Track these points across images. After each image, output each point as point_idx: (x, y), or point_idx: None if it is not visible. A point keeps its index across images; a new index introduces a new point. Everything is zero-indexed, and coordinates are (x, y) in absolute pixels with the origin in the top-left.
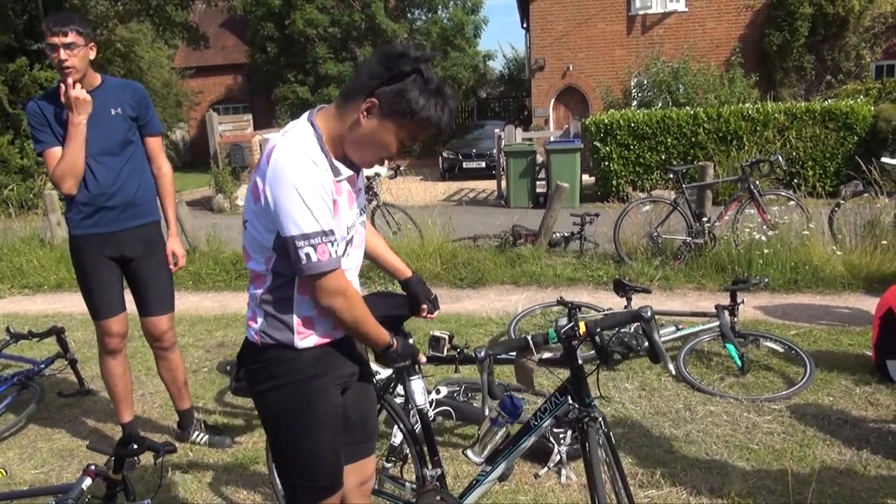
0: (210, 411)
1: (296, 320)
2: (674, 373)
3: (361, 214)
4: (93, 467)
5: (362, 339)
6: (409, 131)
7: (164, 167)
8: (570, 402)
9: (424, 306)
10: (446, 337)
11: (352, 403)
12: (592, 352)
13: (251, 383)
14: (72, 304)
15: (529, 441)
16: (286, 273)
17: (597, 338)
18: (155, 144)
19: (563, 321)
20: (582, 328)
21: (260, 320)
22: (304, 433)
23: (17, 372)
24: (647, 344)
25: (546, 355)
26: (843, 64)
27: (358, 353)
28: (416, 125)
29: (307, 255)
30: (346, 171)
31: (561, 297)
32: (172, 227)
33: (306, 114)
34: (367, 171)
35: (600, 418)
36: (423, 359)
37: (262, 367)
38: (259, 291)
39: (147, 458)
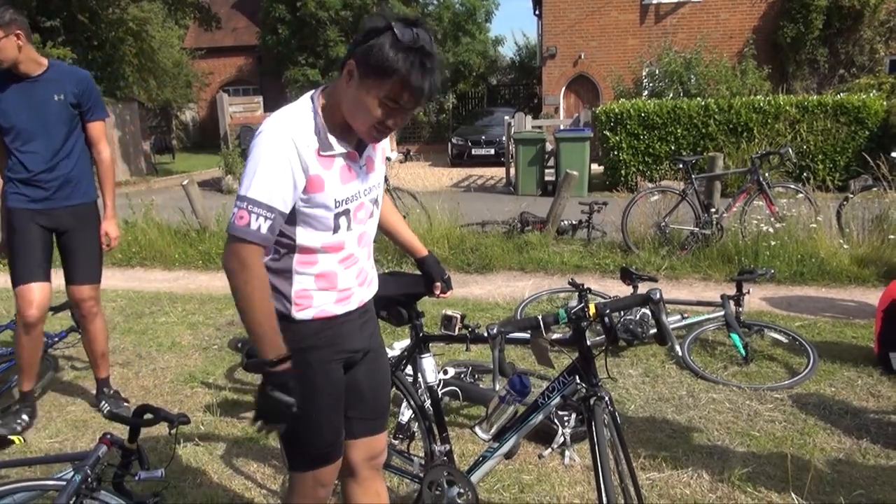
0: (221, 387)
1: (293, 292)
2: (680, 354)
3: (371, 192)
4: (108, 436)
5: (247, 326)
6: (385, 91)
7: (104, 153)
8: (578, 381)
9: (438, 285)
10: (458, 316)
11: (364, 379)
12: (600, 337)
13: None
14: None
15: (537, 419)
16: (283, 244)
17: (606, 319)
18: (96, 130)
19: (574, 303)
20: (592, 309)
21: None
22: (303, 401)
23: None
24: (653, 330)
25: (556, 336)
26: (857, 58)
27: (368, 331)
28: (391, 83)
29: (234, 213)
30: (339, 148)
31: (572, 279)
32: (109, 210)
33: (313, 91)
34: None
35: (606, 398)
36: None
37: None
38: (266, 259)
39: (161, 430)
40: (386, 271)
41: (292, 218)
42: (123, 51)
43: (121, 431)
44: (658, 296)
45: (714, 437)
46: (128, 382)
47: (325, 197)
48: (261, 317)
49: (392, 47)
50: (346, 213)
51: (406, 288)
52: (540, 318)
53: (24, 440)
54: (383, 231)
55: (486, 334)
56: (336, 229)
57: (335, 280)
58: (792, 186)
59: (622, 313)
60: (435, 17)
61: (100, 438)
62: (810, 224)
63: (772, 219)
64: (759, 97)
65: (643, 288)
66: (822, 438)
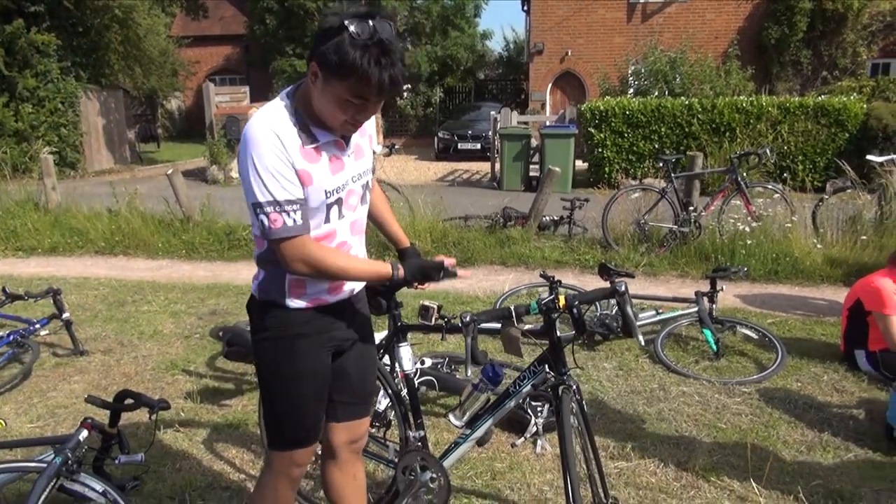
0: (202, 375)
1: (287, 282)
2: (643, 344)
3: (360, 177)
4: (89, 420)
5: (362, 280)
6: (348, 89)
7: None
8: (548, 371)
9: None
10: (435, 307)
11: (352, 365)
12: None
13: (251, 331)
14: (65, 267)
15: (508, 406)
16: None
17: (574, 310)
18: None
19: (546, 295)
20: (562, 301)
21: (261, 277)
22: (286, 386)
23: (13, 331)
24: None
25: (528, 326)
26: (840, 60)
27: (358, 321)
28: (352, 81)
29: (262, 221)
30: (324, 137)
31: (544, 272)
32: None
33: (290, 87)
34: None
35: (574, 387)
36: (450, 261)
37: (258, 319)
38: (258, 252)
39: (142, 416)
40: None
41: None
42: (109, 38)
43: (102, 417)
44: (623, 288)
45: (682, 428)
46: (109, 370)
47: (315, 189)
48: (362, 274)
49: (350, 46)
50: (339, 201)
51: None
52: (512, 308)
53: (6, 424)
54: (372, 221)
55: (459, 323)
56: (328, 219)
57: None
58: (769, 187)
59: (598, 308)
60: (423, 10)
61: (81, 422)
62: (786, 224)
63: (748, 218)
64: (742, 98)
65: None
66: (785, 431)
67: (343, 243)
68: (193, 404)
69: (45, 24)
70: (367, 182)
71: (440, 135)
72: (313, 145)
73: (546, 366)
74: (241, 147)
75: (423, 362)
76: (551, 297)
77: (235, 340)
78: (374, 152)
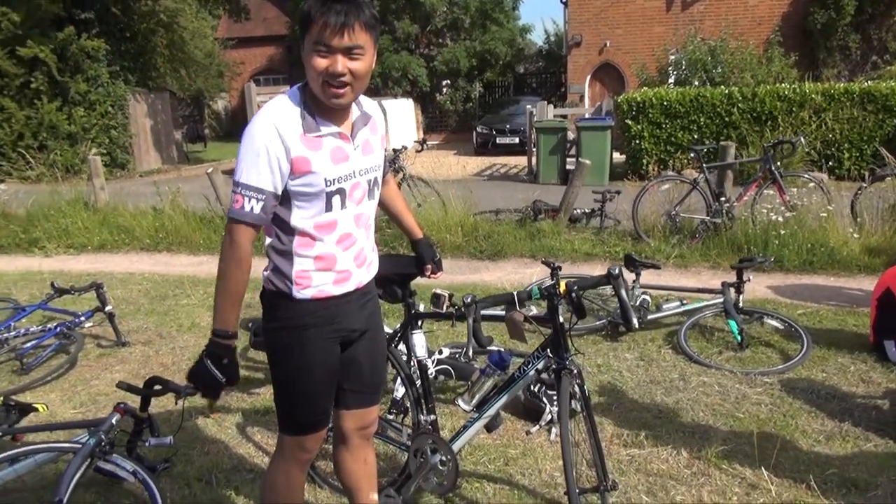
0: None
1: (293, 272)
2: (637, 327)
3: (367, 172)
4: (122, 405)
5: (215, 295)
6: (314, 38)
7: None
8: (550, 355)
9: (429, 266)
10: (446, 295)
11: (362, 357)
12: (600, 321)
13: (263, 321)
14: (112, 263)
15: (514, 390)
16: (283, 228)
17: (574, 296)
18: None
19: (548, 281)
20: (562, 287)
21: (270, 267)
22: (295, 375)
23: (60, 323)
24: (651, 315)
25: (533, 312)
26: (891, 44)
27: (367, 312)
28: (315, 28)
29: (231, 197)
30: (327, 129)
31: (545, 258)
32: None
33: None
34: (394, 144)
35: (575, 371)
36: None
37: (268, 309)
38: (267, 241)
39: (173, 402)
40: (384, 254)
41: (288, 201)
42: (155, 42)
43: (136, 402)
44: (617, 271)
45: (699, 417)
46: (148, 360)
47: (315, 177)
48: (226, 291)
49: (313, 1)
50: (341, 192)
51: (401, 268)
52: (515, 293)
53: (48, 408)
54: (387, 213)
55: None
56: (329, 208)
57: (333, 262)
58: (805, 175)
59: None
60: (462, 5)
61: (114, 407)
62: (821, 213)
63: (782, 208)
64: (784, 85)
65: (646, 274)
66: (804, 420)
67: (347, 235)
68: (224, 392)
69: (95, 30)
70: (376, 178)
71: (479, 129)
72: (315, 134)
73: (549, 350)
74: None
75: (441, 351)
76: (552, 282)
77: (261, 331)
78: (404, 148)
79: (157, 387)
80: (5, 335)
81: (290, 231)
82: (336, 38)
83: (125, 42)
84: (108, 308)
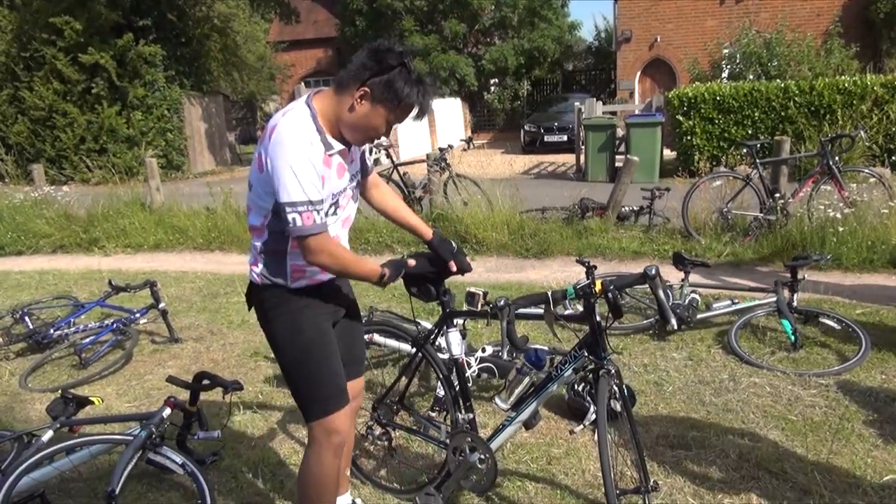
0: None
1: (288, 268)
2: (676, 328)
3: (353, 179)
4: (172, 399)
5: (357, 279)
6: (396, 115)
7: None
8: (587, 355)
9: (452, 263)
10: (481, 293)
11: (339, 333)
12: (643, 321)
13: (259, 318)
14: (167, 262)
15: (551, 389)
16: (280, 230)
17: (610, 295)
18: None
19: (583, 280)
20: (598, 286)
21: (260, 266)
22: (301, 355)
23: (117, 319)
24: (700, 315)
25: (569, 311)
26: None
27: (344, 294)
28: (402, 109)
29: (293, 219)
30: (337, 146)
31: (580, 256)
32: None
33: (305, 96)
34: (440, 143)
35: (613, 371)
36: (411, 262)
37: (263, 303)
38: (259, 243)
39: (222, 397)
40: (410, 251)
41: None
42: (209, 47)
43: (186, 397)
44: (654, 272)
45: (749, 419)
46: (199, 356)
47: (326, 192)
48: (362, 273)
49: (407, 83)
50: (336, 202)
51: (435, 266)
52: (549, 293)
53: (103, 401)
54: (385, 215)
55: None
56: (327, 215)
57: None
58: (866, 171)
59: (671, 297)
60: (509, 3)
61: (165, 401)
62: (882, 209)
63: (841, 204)
64: (843, 77)
65: (695, 273)
66: (861, 425)
67: (335, 237)
68: (271, 388)
69: (152, 36)
70: (359, 180)
71: (526, 128)
72: (329, 152)
73: (585, 350)
74: (272, 145)
75: (483, 350)
76: (588, 281)
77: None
78: (449, 147)
79: (206, 382)
80: (66, 331)
81: (286, 236)
82: (410, 119)
83: (180, 47)
84: (161, 305)
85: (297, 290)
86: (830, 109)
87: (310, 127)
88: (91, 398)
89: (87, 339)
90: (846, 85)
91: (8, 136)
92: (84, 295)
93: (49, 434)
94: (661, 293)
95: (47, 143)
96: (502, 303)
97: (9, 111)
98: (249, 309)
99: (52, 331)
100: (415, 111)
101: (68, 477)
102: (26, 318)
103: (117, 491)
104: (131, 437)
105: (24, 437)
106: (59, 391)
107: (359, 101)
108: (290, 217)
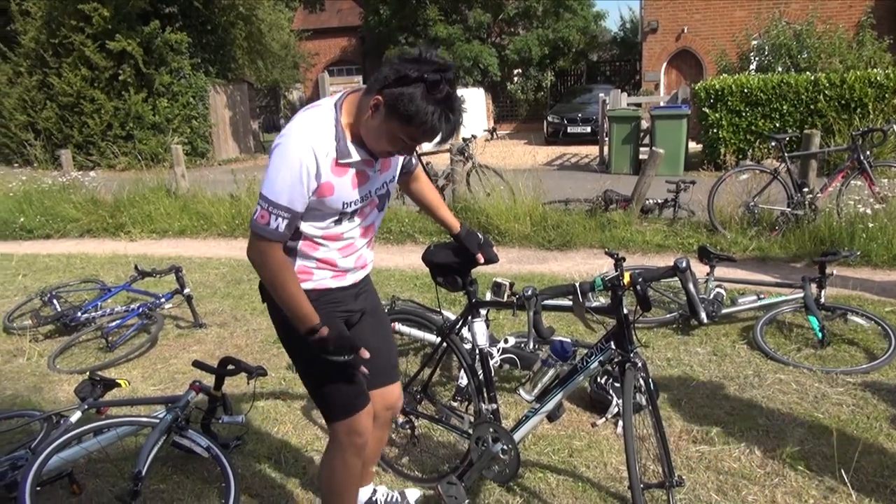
0: None
1: (296, 267)
2: (705, 322)
3: (383, 188)
4: (198, 383)
5: (286, 309)
6: (407, 133)
7: None
8: (613, 348)
9: (479, 255)
10: (507, 284)
11: (367, 337)
12: (667, 315)
13: (270, 316)
14: (192, 248)
15: (576, 382)
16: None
17: (638, 287)
18: None
19: (611, 271)
20: (626, 278)
21: None
22: (314, 358)
23: (143, 304)
24: (725, 309)
25: (596, 303)
26: None
27: (364, 295)
28: (414, 129)
29: (256, 210)
30: (356, 156)
31: (607, 248)
32: None
33: (338, 95)
34: (463, 133)
35: (640, 364)
36: (364, 354)
37: (273, 302)
38: None
39: (247, 383)
40: (435, 242)
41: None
42: (234, 34)
43: (210, 381)
44: (684, 265)
45: (774, 416)
46: (223, 341)
47: (334, 201)
48: (290, 298)
49: (423, 99)
50: (355, 211)
51: (461, 257)
52: (577, 284)
53: (129, 384)
54: (421, 207)
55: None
56: (340, 222)
57: (334, 264)
58: None
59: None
60: None
61: (190, 385)
62: None
63: (871, 199)
64: (875, 70)
65: (720, 267)
66: (890, 424)
67: (351, 244)
68: (293, 375)
69: (178, 23)
70: (389, 190)
71: (550, 119)
72: (345, 161)
73: (612, 342)
74: (276, 143)
75: (506, 341)
76: (616, 273)
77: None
78: (473, 137)
79: (231, 367)
80: (93, 314)
81: (298, 234)
82: (429, 141)
83: (206, 35)
84: (186, 291)
85: (305, 291)
86: (861, 103)
87: (325, 131)
88: (118, 381)
89: (114, 323)
90: (878, 78)
91: (37, 121)
92: (110, 279)
93: (77, 415)
94: (691, 286)
95: (75, 128)
96: (529, 293)
97: (38, 97)
98: (263, 301)
99: (79, 314)
100: (436, 135)
101: (95, 458)
102: (54, 301)
103: (144, 472)
104: (158, 420)
105: (53, 417)
106: (87, 373)
107: (373, 110)
108: (256, 207)
